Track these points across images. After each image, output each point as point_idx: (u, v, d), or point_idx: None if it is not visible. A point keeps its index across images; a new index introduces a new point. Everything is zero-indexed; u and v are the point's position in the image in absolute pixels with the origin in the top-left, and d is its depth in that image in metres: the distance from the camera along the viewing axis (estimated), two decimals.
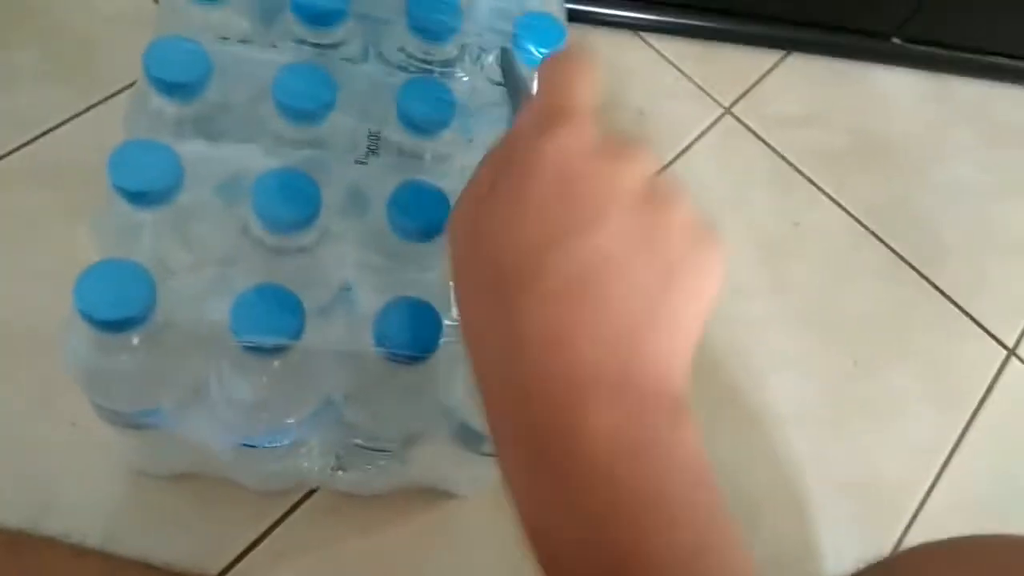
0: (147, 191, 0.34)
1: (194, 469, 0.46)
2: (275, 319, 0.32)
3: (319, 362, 0.35)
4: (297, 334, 0.33)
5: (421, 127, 0.39)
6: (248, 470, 0.43)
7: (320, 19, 0.41)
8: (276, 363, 0.33)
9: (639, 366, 0.26)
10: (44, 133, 0.57)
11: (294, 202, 0.35)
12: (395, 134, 0.39)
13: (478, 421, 0.39)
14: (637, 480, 0.25)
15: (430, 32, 0.42)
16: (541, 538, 0.27)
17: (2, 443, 0.47)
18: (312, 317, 0.33)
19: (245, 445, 0.39)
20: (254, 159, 0.37)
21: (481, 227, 0.29)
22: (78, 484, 0.46)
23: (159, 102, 0.38)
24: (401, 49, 0.42)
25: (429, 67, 0.43)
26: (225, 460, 0.41)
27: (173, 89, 0.37)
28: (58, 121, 0.58)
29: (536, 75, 0.31)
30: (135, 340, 0.32)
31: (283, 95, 0.37)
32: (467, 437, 0.40)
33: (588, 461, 0.25)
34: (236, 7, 0.42)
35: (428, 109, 0.38)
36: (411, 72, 0.42)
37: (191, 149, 0.36)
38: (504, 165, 0.29)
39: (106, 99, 0.59)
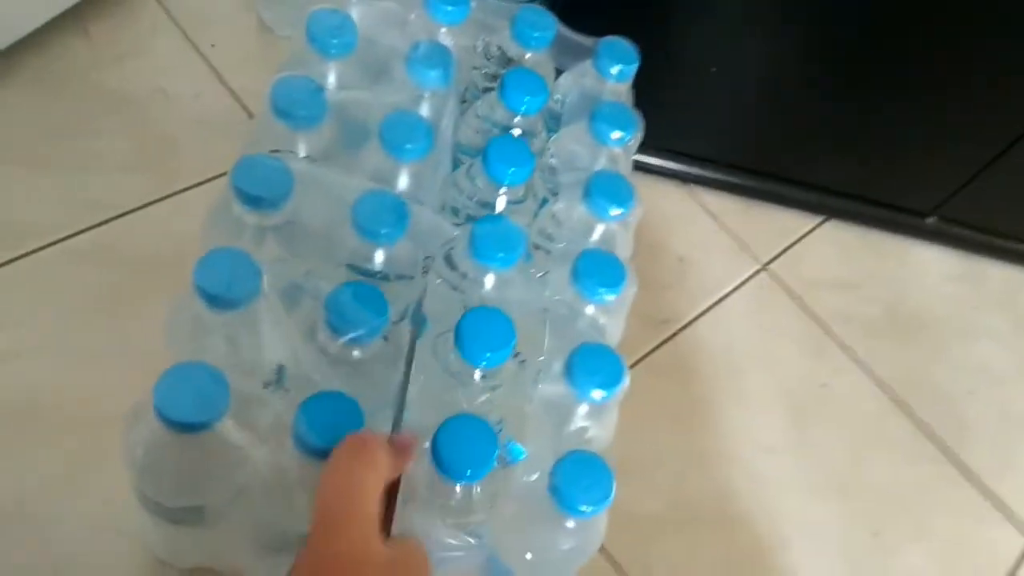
0: (225, 296, 0.36)
1: (212, 563, 0.46)
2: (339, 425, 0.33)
3: None
4: None
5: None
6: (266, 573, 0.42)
7: (405, 153, 0.44)
8: None
9: None
10: (116, 218, 0.60)
11: (363, 312, 0.37)
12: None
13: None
14: None
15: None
16: None
17: (31, 512, 0.47)
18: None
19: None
20: (326, 272, 0.39)
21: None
22: (99, 564, 0.46)
23: (240, 211, 0.40)
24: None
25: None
26: (247, 561, 0.41)
27: (254, 201, 0.39)
28: (130, 208, 0.60)
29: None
30: (201, 440, 0.33)
31: (362, 217, 0.40)
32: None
33: None
34: (325, 131, 0.46)
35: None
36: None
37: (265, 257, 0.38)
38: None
39: (179, 193, 0.62)
